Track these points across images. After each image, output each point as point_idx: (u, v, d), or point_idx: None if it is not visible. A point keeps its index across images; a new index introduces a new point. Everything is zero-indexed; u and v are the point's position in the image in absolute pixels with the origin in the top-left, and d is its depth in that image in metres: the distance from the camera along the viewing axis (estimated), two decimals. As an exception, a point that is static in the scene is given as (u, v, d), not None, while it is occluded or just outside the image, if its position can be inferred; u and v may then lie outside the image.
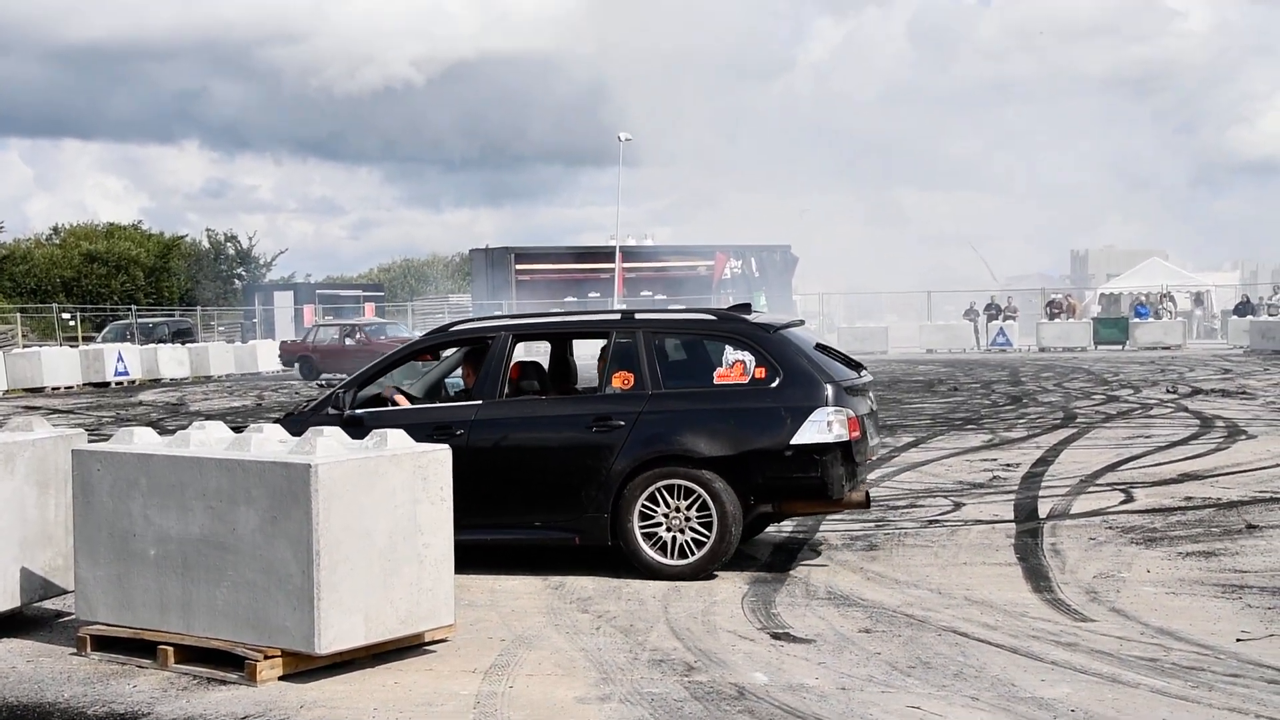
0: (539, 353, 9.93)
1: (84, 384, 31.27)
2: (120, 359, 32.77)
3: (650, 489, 7.67)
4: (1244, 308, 43.86)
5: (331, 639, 5.70)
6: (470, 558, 8.44)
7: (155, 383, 32.88)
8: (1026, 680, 5.58)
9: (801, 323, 8.76)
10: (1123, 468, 12.33)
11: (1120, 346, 40.98)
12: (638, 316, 8.31)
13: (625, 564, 8.08)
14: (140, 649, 6.18)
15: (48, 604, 7.27)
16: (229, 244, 69.57)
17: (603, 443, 7.78)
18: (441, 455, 6.17)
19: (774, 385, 7.74)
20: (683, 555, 7.66)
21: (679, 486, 7.66)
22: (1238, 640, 6.18)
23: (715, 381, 7.86)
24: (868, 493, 8.21)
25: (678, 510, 7.65)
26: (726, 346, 7.89)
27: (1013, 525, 9.37)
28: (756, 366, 7.81)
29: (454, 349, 9.01)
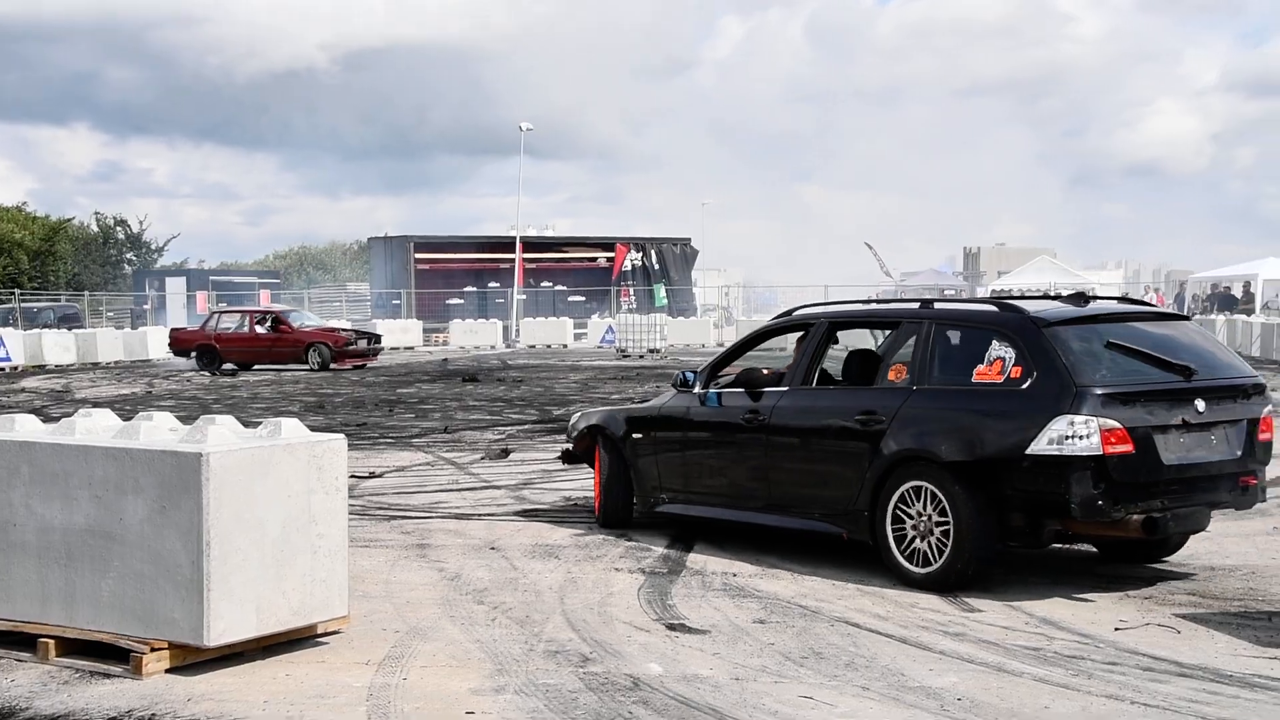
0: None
1: (-37, 369, 30.30)
2: (2, 344, 31.75)
3: (900, 489, 7.27)
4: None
5: (221, 630, 5.60)
6: (359, 549, 8.38)
7: (40, 369, 31.90)
8: (915, 670, 5.69)
9: (1152, 314, 7.87)
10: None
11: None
12: (936, 306, 7.96)
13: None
14: (19, 642, 6.01)
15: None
16: (119, 228, 67.88)
17: (865, 438, 7.49)
18: (336, 445, 6.08)
19: (1025, 386, 6.99)
20: (925, 563, 7.20)
21: (923, 489, 7.18)
22: (1116, 629, 6.38)
23: (973, 379, 7.26)
24: (1156, 519, 6.82)
25: (928, 516, 7.17)
26: (994, 340, 7.24)
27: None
28: (1014, 365, 7.08)
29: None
